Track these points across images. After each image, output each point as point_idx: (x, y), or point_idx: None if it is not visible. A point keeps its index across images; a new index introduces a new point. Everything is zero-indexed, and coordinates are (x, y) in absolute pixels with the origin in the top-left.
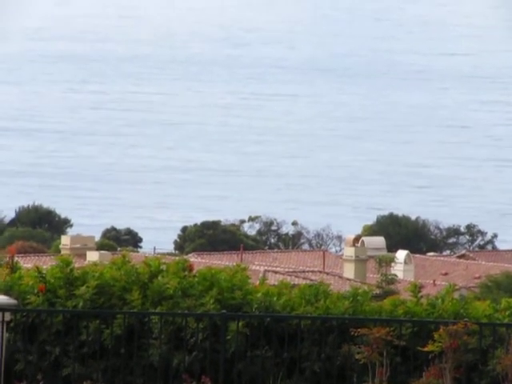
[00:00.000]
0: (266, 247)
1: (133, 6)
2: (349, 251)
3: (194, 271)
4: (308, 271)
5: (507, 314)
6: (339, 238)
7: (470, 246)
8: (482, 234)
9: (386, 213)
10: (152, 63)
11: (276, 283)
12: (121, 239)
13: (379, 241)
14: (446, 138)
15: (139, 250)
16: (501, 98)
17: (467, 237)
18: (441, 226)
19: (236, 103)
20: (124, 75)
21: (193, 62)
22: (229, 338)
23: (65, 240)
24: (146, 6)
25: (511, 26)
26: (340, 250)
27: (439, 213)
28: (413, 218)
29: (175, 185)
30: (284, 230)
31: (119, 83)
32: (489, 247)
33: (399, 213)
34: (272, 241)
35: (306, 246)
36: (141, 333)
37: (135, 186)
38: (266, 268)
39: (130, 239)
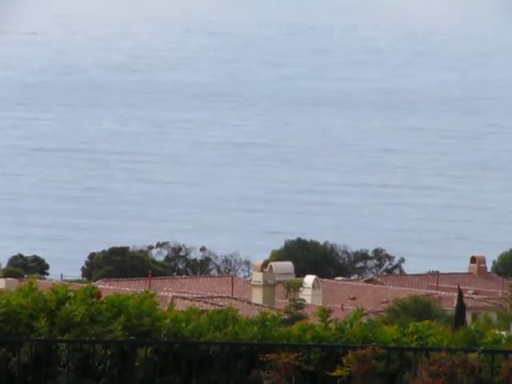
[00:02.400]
0: (175, 273)
1: (33, 32)
2: (257, 276)
3: (102, 298)
4: (216, 297)
5: (415, 338)
6: (247, 263)
7: (377, 271)
8: (390, 258)
9: (293, 238)
10: (54, 89)
11: (184, 309)
12: (27, 266)
13: (287, 266)
14: (345, 164)
15: (46, 277)
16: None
17: (375, 261)
18: (348, 251)
19: (140, 130)
20: (22, 102)
21: (93, 88)
22: (137, 364)
23: None
24: (47, 32)
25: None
26: (248, 276)
27: (347, 237)
28: (321, 242)
29: (82, 213)
30: (192, 255)
31: (15, 110)
32: (396, 271)
33: (307, 238)
34: (180, 267)
35: (214, 272)
36: (48, 360)
37: (40, 213)
38: (174, 294)
39: (37, 266)
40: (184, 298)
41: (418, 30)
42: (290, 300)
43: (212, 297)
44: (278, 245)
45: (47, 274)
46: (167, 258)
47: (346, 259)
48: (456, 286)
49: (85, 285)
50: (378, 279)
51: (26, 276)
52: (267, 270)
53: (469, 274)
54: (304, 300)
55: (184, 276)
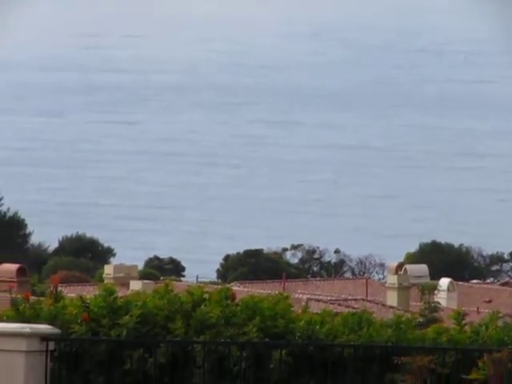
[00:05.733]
0: (309, 275)
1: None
2: (391, 279)
3: (237, 300)
4: (351, 299)
5: None
6: (382, 265)
7: None
8: None
9: (428, 240)
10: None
11: (319, 311)
12: (164, 268)
13: (422, 268)
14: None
15: (182, 278)
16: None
17: (511, 264)
18: (484, 254)
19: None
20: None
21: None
22: (272, 366)
23: (108, 269)
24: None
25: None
26: (383, 278)
27: (482, 240)
28: (456, 245)
29: (214, 215)
30: (326, 258)
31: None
32: None
33: (442, 240)
34: (314, 269)
35: (348, 274)
36: (184, 361)
37: (177, 213)
38: (308, 296)
39: (173, 268)
40: (318, 301)
41: None
42: (424, 303)
43: (346, 299)
44: (413, 247)
45: (183, 275)
46: (301, 261)
47: (482, 262)
48: None
49: (220, 287)
50: None
51: (162, 278)
52: (402, 272)
53: None
54: (439, 303)
55: (318, 278)
